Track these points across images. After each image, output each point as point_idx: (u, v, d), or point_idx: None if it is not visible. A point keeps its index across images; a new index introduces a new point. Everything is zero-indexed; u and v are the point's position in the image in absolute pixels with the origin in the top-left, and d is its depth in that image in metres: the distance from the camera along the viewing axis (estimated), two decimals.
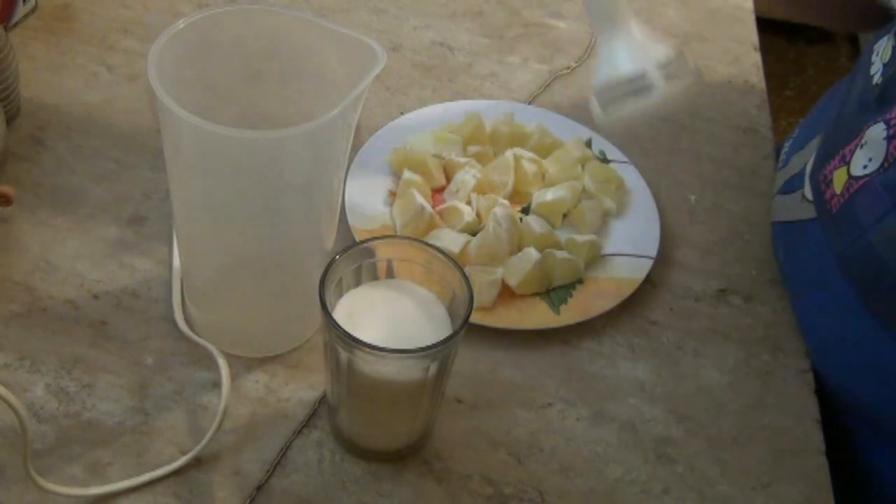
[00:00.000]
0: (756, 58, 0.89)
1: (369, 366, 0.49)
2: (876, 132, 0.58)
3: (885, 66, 0.60)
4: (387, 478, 0.55)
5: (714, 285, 0.68)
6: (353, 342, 0.48)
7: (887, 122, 0.57)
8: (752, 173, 0.77)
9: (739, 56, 0.88)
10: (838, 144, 0.62)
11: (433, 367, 0.50)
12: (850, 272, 0.59)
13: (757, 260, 0.70)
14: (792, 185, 0.68)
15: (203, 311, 0.60)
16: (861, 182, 0.58)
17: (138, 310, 0.61)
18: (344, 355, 0.50)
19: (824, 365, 0.63)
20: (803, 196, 0.65)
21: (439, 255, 0.52)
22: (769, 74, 0.88)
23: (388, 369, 0.50)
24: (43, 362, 0.58)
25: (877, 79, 0.60)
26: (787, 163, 0.71)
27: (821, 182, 0.63)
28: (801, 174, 0.67)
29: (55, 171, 0.69)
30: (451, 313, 0.52)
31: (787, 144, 0.75)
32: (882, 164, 0.57)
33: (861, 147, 0.58)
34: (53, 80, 0.76)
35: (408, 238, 0.53)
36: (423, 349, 0.48)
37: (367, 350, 0.48)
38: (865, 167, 0.58)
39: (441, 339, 0.49)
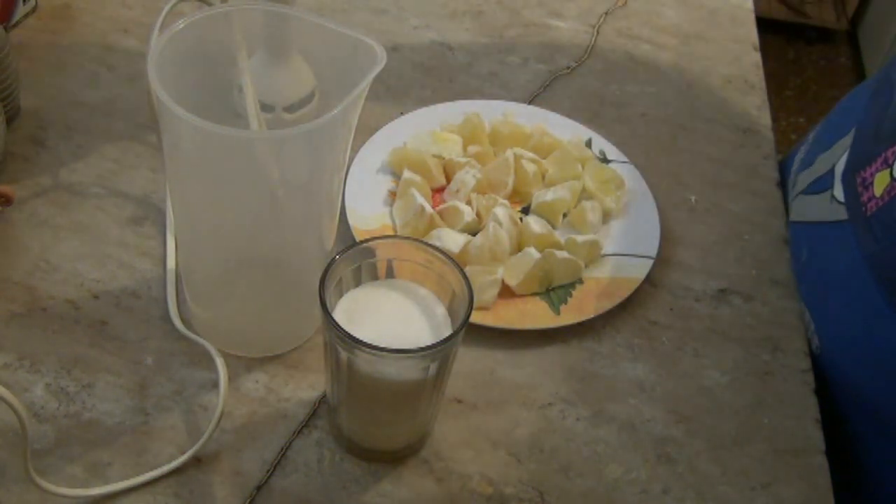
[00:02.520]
0: (756, 58, 0.89)
1: (369, 366, 0.49)
2: None
3: None
4: (387, 478, 0.55)
5: (714, 285, 0.68)
6: (353, 342, 0.48)
7: None
8: (752, 173, 0.77)
9: (739, 56, 0.88)
10: (880, 147, 0.61)
11: (433, 367, 0.50)
12: (880, 275, 0.59)
13: (757, 260, 0.70)
14: (819, 186, 0.67)
15: (203, 310, 0.60)
16: None
17: (138, 310, 0.61)
18: (344, 355, 0.50)
19: (839, 364, 0.63)
20: (832, 197, 0.65)
21: (439, 255, 0.52)
22: (769, 74, 0.88)
23: (388, 369, 0.50)
24: (43, 362, 0.58)
25: None
26: (810, 163, 0.71)
27: (858, 184, 0.62)
28: (829, 175, 0.66)
29: (55, 171, 0.69)
30: (451, 313, 0.52)
31: (802, 148, 0.75)
32: None
33: None
34: (53, 80, 0.76)
35: (408, 238, 0.53)
36: (423, 349, 0.48)
37: (367, 350, 0.48)
38: None
39: (441, 339, 0.49)
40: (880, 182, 0.60)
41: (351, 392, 0.52)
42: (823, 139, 0.71)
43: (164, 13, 0.63)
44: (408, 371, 0.50)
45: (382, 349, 0.47)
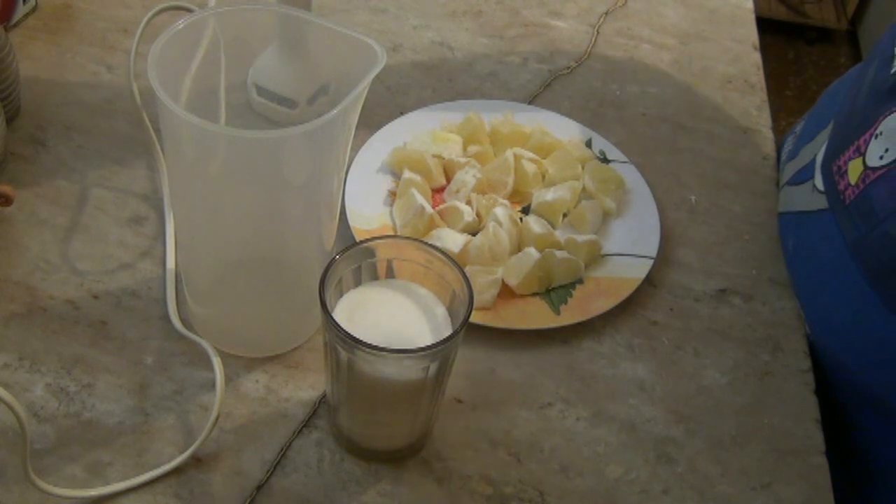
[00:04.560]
0: (756, 58, 0.89)
1: (369, 366, 0.49)
2: (892, 122, 0.58)
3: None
4: (387, 478, 0.55)
5: (714, 285, 0.68)
6: (354, 342, 0.48)
7: None
8: (752, 173, 0.77)
9: (739, 56, 0.88)
10: (852, 135, 0.62)
11: (433, 367, 0.50)
12: (864, 262, 0.60)
13: (757, 260, 0.70)
14: (802, 176, 0.68)
15: (203, 310, 0.60)
16: (878, 173, 0.58)
17: (138, 310, 0.61)
18: (344, 355, 0.50)
19: (830, 354, 0.64)
20: (814, 186, 0.66)
21: (439, 255, 0.52)
22: (769, 74, 0.88)
23: (389, 369, 0.50)
24: (43, 362, 0.58)
25: None
26: (795, 154, 0.72)
27: (834, 173, 0.63)
28: (811, 165, 0.67)
29: (55, 171, 0.69)
30: (451, 313, 0.52)
31: (789, 139, 0.76)
32: None
33: (876, 137, 0.59)
34: (53, 80, 0.76)
35: (408, 238, 0.53)
36: (423, 349, 0.48)
37: (368, 350, 0.48)
38: (882, 157, 0.58)
39: (441, 339, 0.49)
40: (854, 170, 0.61)
41: (351, 392, 0.52)
42: (808, 130, 0.72)
43: (143, 24, 0.64)
44: (408, 371, 0.50)
45: (383, 349, 0.47)
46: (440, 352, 0.49)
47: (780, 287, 0.68)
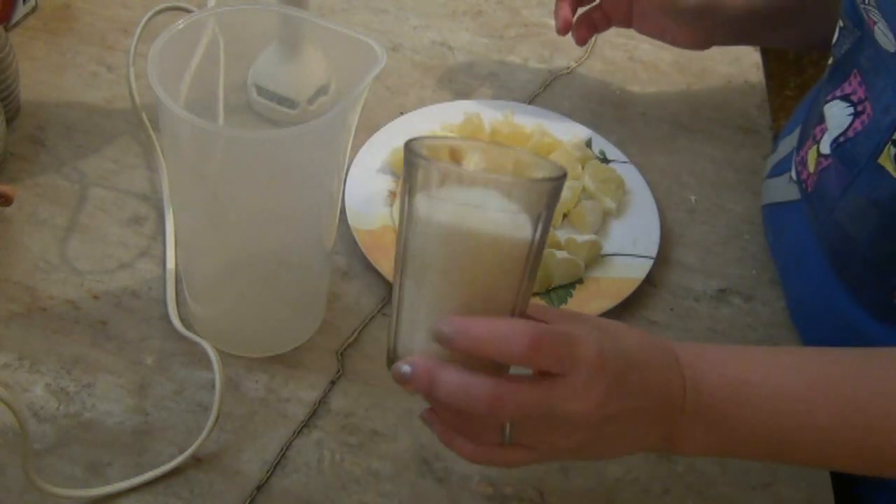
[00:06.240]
0: (756, 58, 0.89)
1: (468, 215, 0.41)
2: (830, 108, 0.60)
3: (834, 46, 0.62)
4: (387, 478, 0.55)
5: (714, 285, 0.68)
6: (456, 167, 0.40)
7: (845, 98, 0.59)
8: (752, 173, 0.77)
9: (739, 56, 0.88)
10: (811, 126, 0.64)
11: (540, 227, 0.42)
12: (827, 250, 0.61)
13: (757, 260, 0.70)
14: (780, 168, 0.69)
15: (203, 310, 0.60)
16: (828, 161, 0.60)
17: (138, 310, 0.61)
18: (443, 216, 0.41)
19: (807, 341, 0.64)
20: (790, 178, 0.67)
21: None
22: (769, 74, 0.88)
23: (492, 220, 0.41)
24: (43, 362, 0.58)
25: (831, 60, 0.63)
26: (775, 148, 0.73)
27: (798, 163, 0.65)
28: (788, 157, 0.68)
29: (55, 171, 0.69)
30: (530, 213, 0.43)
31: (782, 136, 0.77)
32: (837, 139, 0.59)
33: (827, 124, 0.61)
34: (53, 80, 0.76)
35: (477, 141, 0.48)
36: (535, 181, 0.40)
37: (474, 178, 0.40)
38: (830, 144, 0.60)
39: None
40: (811, 159, 0.62)
41: (434, 271, 0.42)
42: (790, 126, 0.73)
43: (142, 24, 0.64)
44: (515, 222, 0.41)
45: (491, 177, 0.39)
46: (553, 192, 0.41)
47: (779, 287, 0.68)
